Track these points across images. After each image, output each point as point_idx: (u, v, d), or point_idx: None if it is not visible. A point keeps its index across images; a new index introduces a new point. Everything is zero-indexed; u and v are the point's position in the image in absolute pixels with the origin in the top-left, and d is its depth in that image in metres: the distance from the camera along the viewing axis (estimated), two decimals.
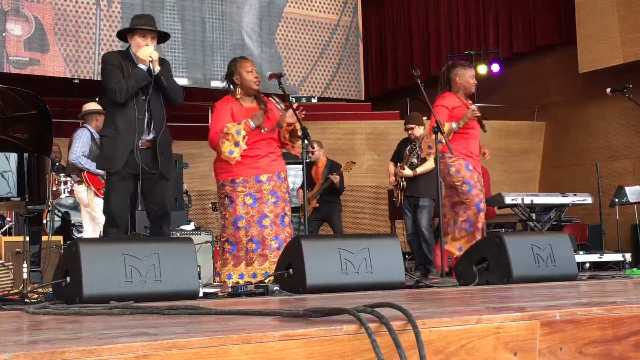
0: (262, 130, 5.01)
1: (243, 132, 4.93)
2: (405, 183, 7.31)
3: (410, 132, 7.37)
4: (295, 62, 11.54)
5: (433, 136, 5.74)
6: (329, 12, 12.03)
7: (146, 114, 4.70)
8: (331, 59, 12.01)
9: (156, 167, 4.73)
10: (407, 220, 7.41)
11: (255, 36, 11.23)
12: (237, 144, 4.93)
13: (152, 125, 4.73)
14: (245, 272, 4.93)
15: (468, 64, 6.14)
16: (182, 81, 10.57)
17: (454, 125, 5.66)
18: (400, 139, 7.64)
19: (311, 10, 11.83)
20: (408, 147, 7.30)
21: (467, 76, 5.94)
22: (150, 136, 4.74)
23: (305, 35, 11.75)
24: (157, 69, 4.64)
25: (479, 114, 5.70)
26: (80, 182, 6.88)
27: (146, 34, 4.75)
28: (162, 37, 4.94)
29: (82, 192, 6.85)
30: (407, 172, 7.09)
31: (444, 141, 5.89)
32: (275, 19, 11.46)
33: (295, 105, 5.05)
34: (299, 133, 5.07)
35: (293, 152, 5.22)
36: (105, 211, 4.77)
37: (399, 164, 7.38)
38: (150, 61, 4.61)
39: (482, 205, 5.63)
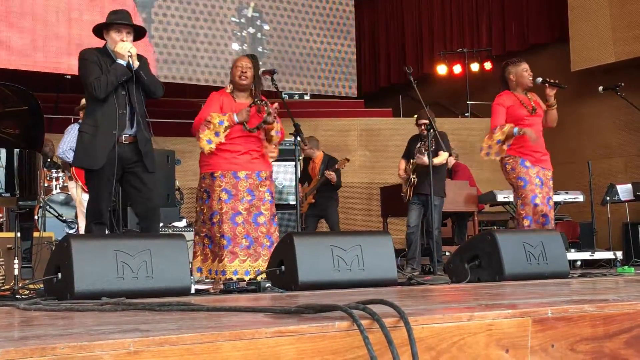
0: (244, 128, 5.01)
1: (225, 124, 4.95)
2: (416, 180, 7.33)
3: (422, 127, 7.37)
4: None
5: (494, 136, 5.72)
6: None
7: (127, 108, 4.69)
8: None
9: (139, 161, 4.72)
10: (413, 213, 7.37)
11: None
12: (217, 134, 4.95)
13: (134, 119, 4.72)
14: (226, 268, 4.91)
15: (519, 60, 6.11)
16: None
17: (515, 130, 5.66)
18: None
19: None
20: (418, 145, 7.31)
21: (520, 71, 5.92)
22: (133, 130, 4.73)
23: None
24: (137, 64, 4.65)
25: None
26: (71, 179, 6.88)
27: (121, 28, 4.74)
28: (138, 34, 4.90)
29: (73, 188, 6.87)
30: (425, 159, 7.11)
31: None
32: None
33: (275, 104, 5.06)
34: (272, 133, 5.08)
35: (265, 152, 5.19)
36: (90, 209, 4.73)
37: (411, 160, 7.39)
38: (129, 56, 4.61)
39: (538, 200, 5.61)
